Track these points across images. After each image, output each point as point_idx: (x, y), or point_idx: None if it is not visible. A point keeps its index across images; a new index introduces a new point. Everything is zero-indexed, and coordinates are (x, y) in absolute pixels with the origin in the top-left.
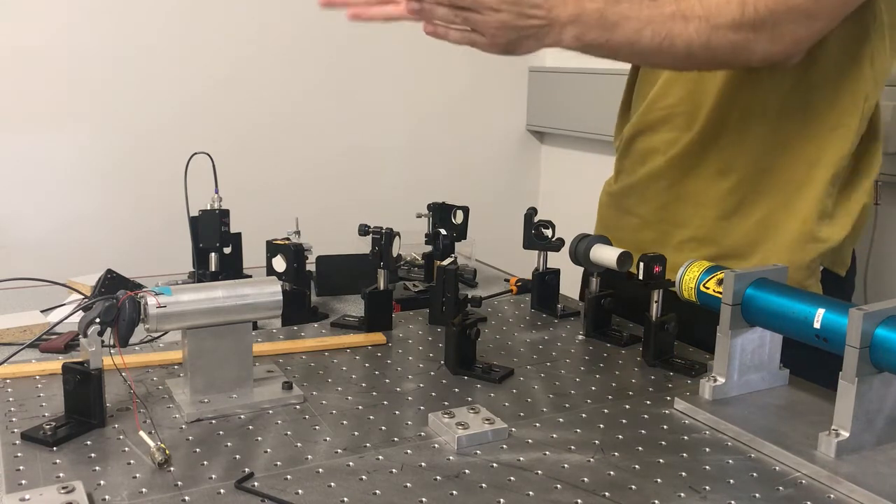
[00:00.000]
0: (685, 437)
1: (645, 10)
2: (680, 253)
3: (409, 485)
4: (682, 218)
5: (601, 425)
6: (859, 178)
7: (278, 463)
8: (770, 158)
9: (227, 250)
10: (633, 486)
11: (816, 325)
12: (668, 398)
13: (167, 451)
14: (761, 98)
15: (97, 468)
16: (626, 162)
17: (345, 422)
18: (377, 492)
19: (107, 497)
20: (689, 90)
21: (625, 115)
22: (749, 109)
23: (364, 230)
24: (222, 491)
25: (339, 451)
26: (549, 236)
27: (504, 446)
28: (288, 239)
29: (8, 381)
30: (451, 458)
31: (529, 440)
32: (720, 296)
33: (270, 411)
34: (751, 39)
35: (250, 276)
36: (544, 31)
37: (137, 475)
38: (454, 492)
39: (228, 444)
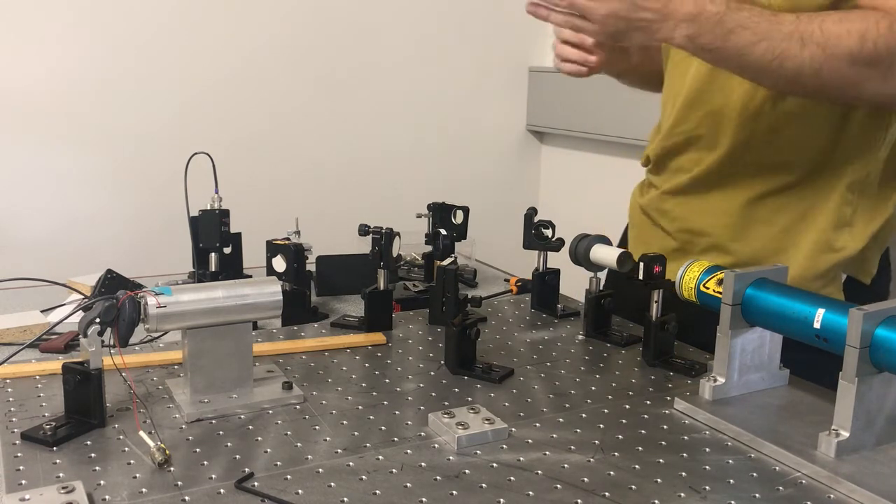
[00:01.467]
0: (685, 437)
1: (764, 23)
2: (702, 259)
3: (409, 485)
4: (704, 228)
5: (601, 425)
6: (887, 188)
7: (278, 463)
8: (794, 173)
9: (227, 250)
10: (633, 486)
11: (816, 325)
12: (668, 398)
13: (167, 451)
14: (788, 117)
15: (97, 468)
16: (656, 177)
17: (345, 422)
18: (377, 492)
19: (107, 497)
20: (706, 112)
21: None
22: (775, 129)
23: (364, 230)
24: (222, 491)
25: (339, 451)
26: (549, 236)
27: (504, 446)
28: (288, 239)
29: (8, 381)
30: (451, 458)
31: (529, 440)
32: (720, 296)
33: (270, 411)
34: (864, 75)
35: (250, 276)
36: (657, 26)
37: (137, 475)
38: (454, 492)
39: (228, 444)
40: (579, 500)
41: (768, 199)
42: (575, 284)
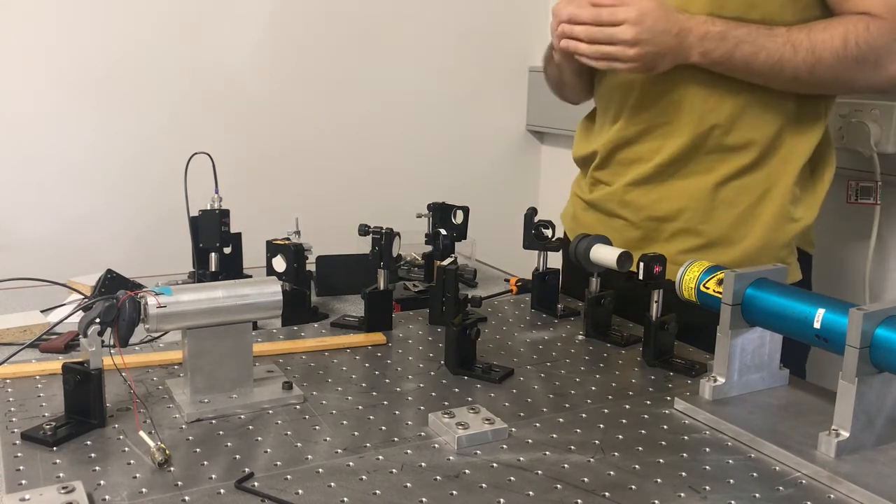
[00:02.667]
0: (685, 437)
1: (761, 37)
2: (669, 244)
3: (409, 485)
4: (671, 213)
5: (601, 425)
6: (822, 167)
7: (278, 463)
8: (754, 157)
9: (227, 250)
10: (633, 486)
11: (816, 325)
12: (668, 398)
13: (167, 451)
14: (747, 103)
15: (97, 468)
16: (604, 172)
17: (345, 422)
18: (377, 492)
19: (107, 497)
20: (665, 102)
21: (587, 132)
22: (735, 115)
23: (364, 230)
24: (222, 491)
25: (339, 451)
26: (549, 236)
27: (504, 446)
28: (288, 239)
29: (8, 381)
30: (451, 458)
31: (529, 440)
32: (720, 296)
33: (270, 411)
34: (854, 71)
35: (250, 276)
36: (677, 49)
37: (137, 475)
38: (454, 492)
39: (228, 444)
40: (579, 500)
41: (732, 181)
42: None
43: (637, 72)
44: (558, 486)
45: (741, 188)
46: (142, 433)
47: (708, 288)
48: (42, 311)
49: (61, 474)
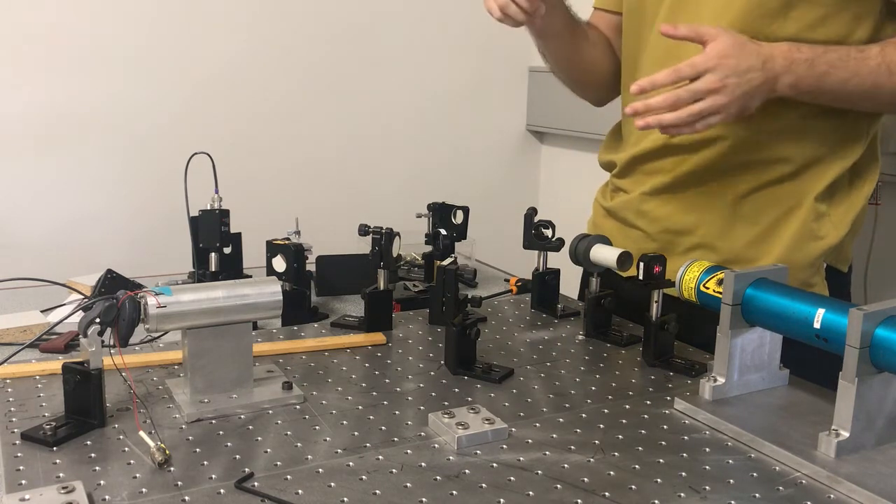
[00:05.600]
0: (685, 437)
1: (852, 61)
2: (684, 258)
3: (409, 485)
4: (688, 227)
5: (601, 425)
6: (859, 182)
7: (278, 463)
8: (786, 172)
9: (227, 250)
10: (633, 486)
11: (816, 325)
12: (668, 398)
13: (167, 451)
14: (772, 126)
15: (97, 468)
16: (625, 181)
17: (345, 422)
18: (377, 492)
19: (107, 497)
20: None
21: (615, 138)
22: (758, 137)
23: (364, 230)
24: (222, 491)
25: (339, 451)
26: (549, 236)
27: (504, 446)
28: (288, 239)
29: (8, 381)
30: (451, 458)
31: (529, 440)
32: (720, 296)
33: (270, 411)
34: None
35: (250, 276)
36: (766, 86)
37: (137, 475)
38: (454, 492)
39: (228, 444)
40: (579, 500)
41: (756, 193)
42: (575, 284)
43: (730, 121)
44: (558, 486)
45: (765, 202)
46: (142, 433)
47: (708, 288)
48: (42, 311)
49: (61, 474)
